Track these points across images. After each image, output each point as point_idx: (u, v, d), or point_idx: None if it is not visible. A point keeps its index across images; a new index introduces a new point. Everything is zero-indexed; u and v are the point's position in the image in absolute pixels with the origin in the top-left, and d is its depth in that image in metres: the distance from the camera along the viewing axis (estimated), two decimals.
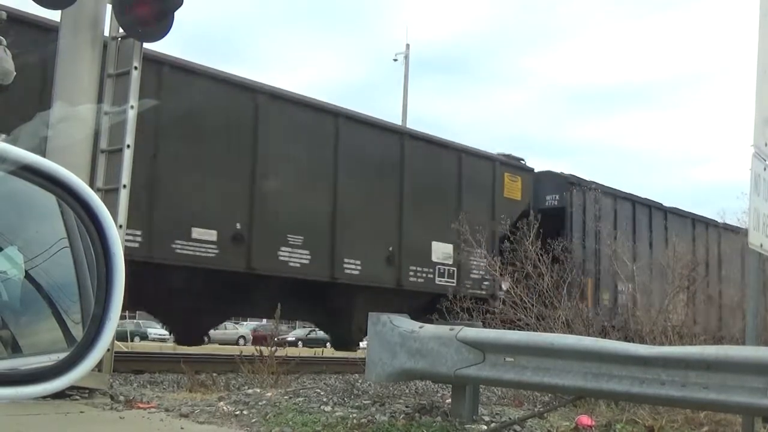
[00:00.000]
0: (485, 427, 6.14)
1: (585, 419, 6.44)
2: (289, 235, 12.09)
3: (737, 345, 6.89)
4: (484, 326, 7.78)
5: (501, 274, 10.11)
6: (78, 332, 1.28)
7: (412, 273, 13.88)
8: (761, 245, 5.15)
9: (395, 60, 27.44)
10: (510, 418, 6.52)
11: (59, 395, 6.22)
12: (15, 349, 1.29)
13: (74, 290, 1.32)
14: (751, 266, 5.35)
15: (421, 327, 6.43)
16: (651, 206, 17.60)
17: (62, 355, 1.24)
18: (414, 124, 19.37)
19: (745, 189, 5.32)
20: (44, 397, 1.33)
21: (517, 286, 9.14)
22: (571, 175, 16.29)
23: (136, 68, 7.42)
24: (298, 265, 12.21)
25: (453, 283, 14.21)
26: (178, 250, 10.75)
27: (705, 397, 4.95)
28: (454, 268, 14.51)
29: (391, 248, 13.57)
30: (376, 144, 13.68)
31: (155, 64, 10.08)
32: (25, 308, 1.34)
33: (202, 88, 11.23)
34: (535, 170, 16.58)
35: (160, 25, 7.08)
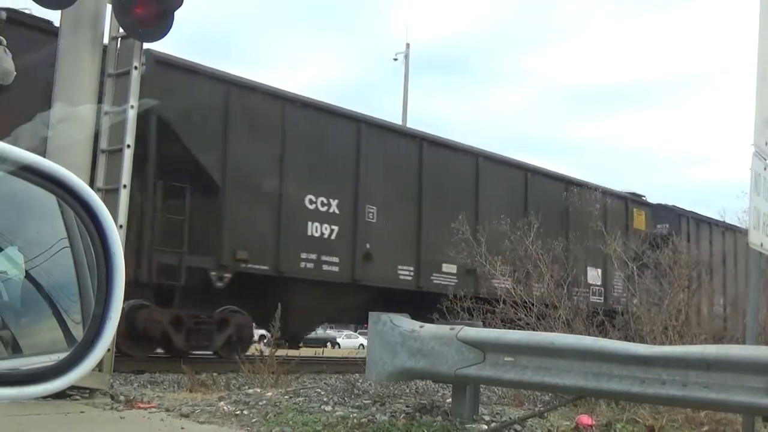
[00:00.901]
0: (486, 427, 6.14)
1: (585, 419, 6.44)
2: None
3: (738, 344, 6.89)
4: (485, 326, 7.78)
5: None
6: (78, 332, 1.28)
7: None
8: (761, 244, 5.15)
9: (395, 60, 27.47)
10: (510, 418, 6.52)
11: (60, 395, 6.22)
12: (16, 350, 1.29)
13: (74, 290, 1.32)
14: (751, 265, 5.35)
15: (421, 327, 6.43)
16: (717, 225, 21.21)
17: (63, 355, 1.24)
18: (414, 124, 19.42)
19: (746, 188, 5.32)
20: (45, 397, 1.33)
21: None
22: (675, 206, 20.52)
23: (136, 68, 7.43)
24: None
25: (601, 300, 17.21)
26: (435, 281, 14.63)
27: (705, 397, 4.95)
28: (602, 288, 17.98)
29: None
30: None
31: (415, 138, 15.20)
32: (25, 308, 1.34)
33: (451, 160, 15.53)
34: (651, 203, 20.48)
35: (161, 24, 7.09)
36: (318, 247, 13.12)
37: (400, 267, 14.50)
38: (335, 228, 13.43)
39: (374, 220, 14.04)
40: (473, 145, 16.50)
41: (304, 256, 12.93)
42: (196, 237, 11.90)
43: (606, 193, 16.91)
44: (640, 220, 19.35)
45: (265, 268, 12.47)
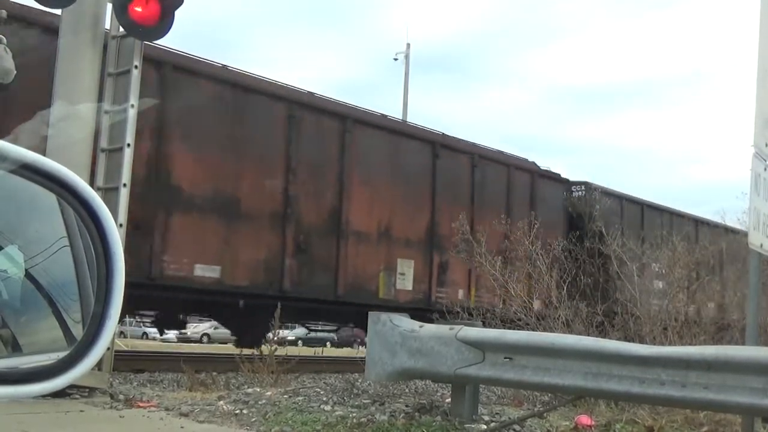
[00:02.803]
0: (485, 427, 6.14)
1: (585, 419, 6.44)
2: None
3: (737, 345, 6.89)
4: (484, 326, 7.78)
5: None
6: (78, 331, 1.28)
7: None
8: (761, 245, 5.15)
9: (396, 59, 27.45)
10: (510, 418, 6.52)
11: (59, 394, 6.22)
12: (15, 348, 1.29)
13: (74, 289, 1.32)
14: (751, 266, 5.35)
15: (421, 326, 6.43)
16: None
17: (62, 354, 1.24)
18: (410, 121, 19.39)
19: (745, 188, 5.33)
20: (44, 396, 1.33)
21: None
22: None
23: (136, 67, 7.43)
24: None
25: None
26: None
27: (705, 397, 4.95)
28: None
29: None
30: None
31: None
32: (25, 307, 1.34)
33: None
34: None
35: (161, 23, 7.08)
36: None
37: None
38: None
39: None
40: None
41: None
42: None
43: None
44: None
45: None
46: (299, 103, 12.52)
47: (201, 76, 11.28)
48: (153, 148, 10.56)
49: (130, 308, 12.52)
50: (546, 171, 17.06)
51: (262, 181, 11.84)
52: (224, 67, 11.84)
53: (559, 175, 17.49)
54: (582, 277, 9.93)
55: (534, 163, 16.94)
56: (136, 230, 9.21)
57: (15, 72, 5.40)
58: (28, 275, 1.32)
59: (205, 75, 11.35)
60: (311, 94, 13.07)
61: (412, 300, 13.85)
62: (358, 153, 13.19)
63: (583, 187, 17.28)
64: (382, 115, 14.58)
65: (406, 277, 13.92)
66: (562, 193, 17.15)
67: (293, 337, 30.69)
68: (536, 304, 9.45)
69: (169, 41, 7.93)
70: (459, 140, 15.38)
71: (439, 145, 14.61)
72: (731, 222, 14.45)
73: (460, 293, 14.31)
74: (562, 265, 10.07)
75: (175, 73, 10.85)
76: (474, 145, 15.64)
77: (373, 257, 13.44)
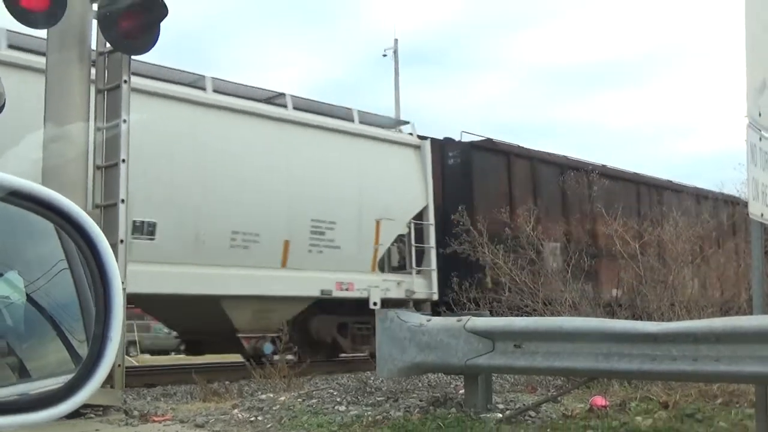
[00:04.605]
0: (500, 416, 6.14)
1: (599, 400, 6.45)
2: None
3: (745, 315, 6.89)
4: (492, 315, 7.79)
5: None
6: (84, 351, 1.28)
7: None
8: (762, 215, 5.15)
9: (384, 55, 27.39)
10: (524, 405, 6.53)
11: (74, 414, 6.22)
12: (23, 374, 1.29)
13: (77, 309, 1.32)
14: (753, 236, 5.35)
15: (428, 320, 6.44)
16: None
17: (70, 377, 1.24)
18: (404, 117, 19.25)
19: (736, 159, 5.32)
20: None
21: None
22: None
23: (125, 82, 7.42)
24: None
25: None
26: None
27: (716, 369, 4.96)
28: None
29: None
30: None
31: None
32: (29, 332, 1.34)
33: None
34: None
35: (147, 36, 7.06)
36: None
37: None
38: None
39: None
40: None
41: None
42: None
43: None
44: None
45: None
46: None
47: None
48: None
49: None
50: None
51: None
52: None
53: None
54: (586, 259, 9.92)
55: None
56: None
57: (5, 96, 5.39)
58: (30, 299, 1.32)
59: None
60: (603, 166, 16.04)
61: None
62: None
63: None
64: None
65: None
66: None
67: None
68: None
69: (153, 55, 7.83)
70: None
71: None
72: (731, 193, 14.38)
73: None
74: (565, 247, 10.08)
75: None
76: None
77: None
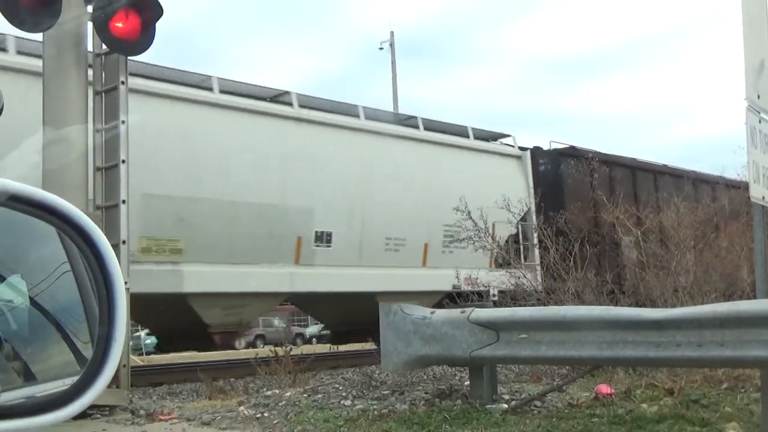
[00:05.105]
0: (506, 406, 6.15)
1: (604, 388, 6.46)
2: None
3: (748, 300, 6.89)
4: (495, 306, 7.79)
5: None
6: (89, 352, 1.28)
7: None
8: (763, 197, 5.15)
9: (381, 48, 27.37)
10: (530, 394, 6.53)
11: (80, 415, 6.23)
12: (29, 377, 1.29)
13: (80, 311, 1.32)
14: (754, 220, 5.35)
15: (432, 313, 6.44)
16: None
17: (76, 378, 1.24)
18: (403, 110, 19.26)
19: (734, 141, 5.32)
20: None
21: None
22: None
23: (123, 83, 7.40)
24: None
25: None
26: None
27: (721, 355, 4.96)
28: None
29: None
30: None
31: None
32: (34, 335, 1.34)
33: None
34: None
35: (143, 37, 7.05)
36: None
37: None
38: None
39: None
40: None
41: None
42: None
43: None
44: None
45: None
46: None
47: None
48: None
49: None
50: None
51: None
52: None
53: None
54: (587, 247, 9.92)
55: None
56: None
57: (3, 102, 5.38)
58: (34, 303, 1.32)
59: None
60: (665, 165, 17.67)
61: None
62: None
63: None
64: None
65: None
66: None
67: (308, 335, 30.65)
68: None
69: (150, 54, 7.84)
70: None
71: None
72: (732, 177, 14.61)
73: None
74: (567, 236, 10.08)
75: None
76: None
77: None
